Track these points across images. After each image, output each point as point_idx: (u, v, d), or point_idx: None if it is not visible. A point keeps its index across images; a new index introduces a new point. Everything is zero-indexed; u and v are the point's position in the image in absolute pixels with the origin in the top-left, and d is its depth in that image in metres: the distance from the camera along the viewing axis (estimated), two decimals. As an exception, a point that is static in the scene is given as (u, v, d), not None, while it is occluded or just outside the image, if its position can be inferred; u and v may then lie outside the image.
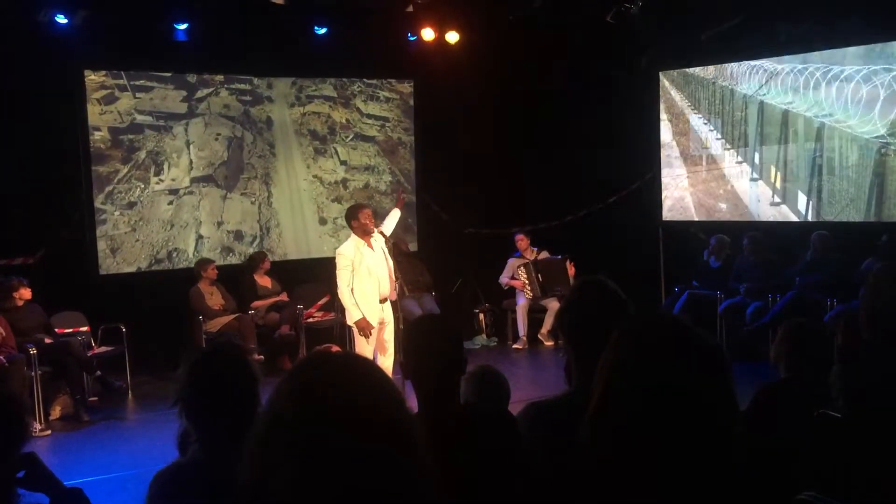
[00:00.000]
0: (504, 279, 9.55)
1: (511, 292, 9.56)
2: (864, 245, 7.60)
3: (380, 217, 7.26)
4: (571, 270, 9.25)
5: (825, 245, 7.86)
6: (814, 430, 2.67)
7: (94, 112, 8.44)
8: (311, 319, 8.68)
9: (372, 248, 6.40)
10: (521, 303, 9.32)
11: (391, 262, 6.52)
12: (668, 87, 9.82)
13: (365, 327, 6.26)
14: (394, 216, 7.17)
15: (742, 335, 7.92)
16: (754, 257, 8.34)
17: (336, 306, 8.07)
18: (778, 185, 8.92)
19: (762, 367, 3.75)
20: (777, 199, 8.94)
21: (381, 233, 6.64)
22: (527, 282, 9.27)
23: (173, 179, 8.91)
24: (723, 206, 9.45)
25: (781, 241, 8.47)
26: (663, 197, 9.89)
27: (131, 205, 8.68)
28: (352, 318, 6.33)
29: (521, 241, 9.51)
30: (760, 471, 1.63)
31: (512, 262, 9.52)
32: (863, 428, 2.45)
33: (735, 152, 9.29)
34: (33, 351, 6.70)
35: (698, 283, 8.75)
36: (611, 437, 1.35)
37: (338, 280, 6.35)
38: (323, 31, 8.87)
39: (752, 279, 8.21)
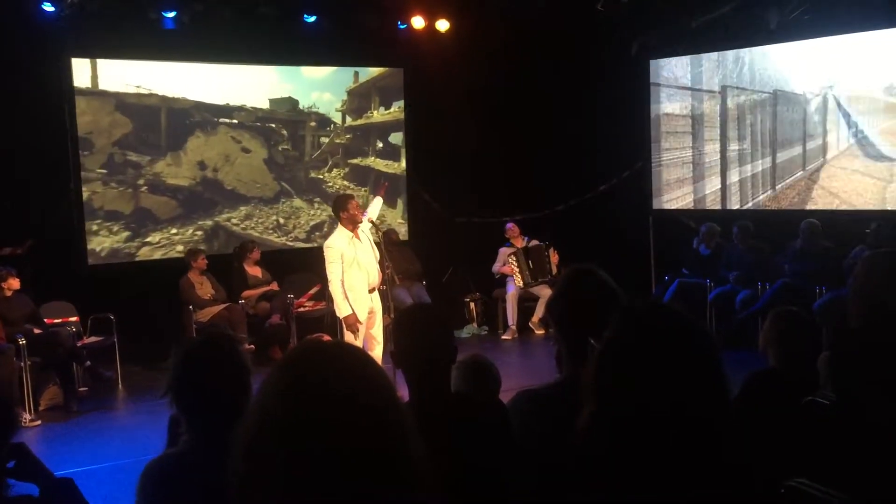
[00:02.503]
0: (496, 267, 9.55)
1: (502, 281, 9.57)
2: (852, 233, 7.64)
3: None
4: (555, 258, 9.27)
5: (814, 233, 7.90)
6: (803, 418, 2.69)
7: (81, 100, 8.42)
8: (301, 309, 8.67)
9: (359, 238, 6.36)
10: (511, 291, 9.32)
11: (377, 251, 6.50)
12: (662, 69, 9.80)
13: (353, 324, 6.23)
14: (376, 203, 7.17)
15: (731, 323, 7.95)
16: (744, 245, 8.37)
17: (327, 296, 8.06)
18: (767, 172, 8.95)
19: (751, 355, 3.76)
20: (767, 187, 8.97)
21: (371, 220, 6.63)
22: (517, 269, 9.28)
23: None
24: (713, 194, 9.46)
25: (771, 229, 8.50)
26: (662, 183, 9.87)
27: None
28: (341, 313, 6.30)
29: (512, 230, 9.51)
30: (750, 458, 1.64)
31: (503, 251, 9.52)
32: (851, 415, 2.47)
33: (726, 139, 9.30)
34: (22, 341, 6.66)
35: (688, 271, 8.77)
36: (605, 425, 1.36)
37: (328, 274, 6.29)
38: (312, 18, 8.82)
39: (742, 267, 8.24)
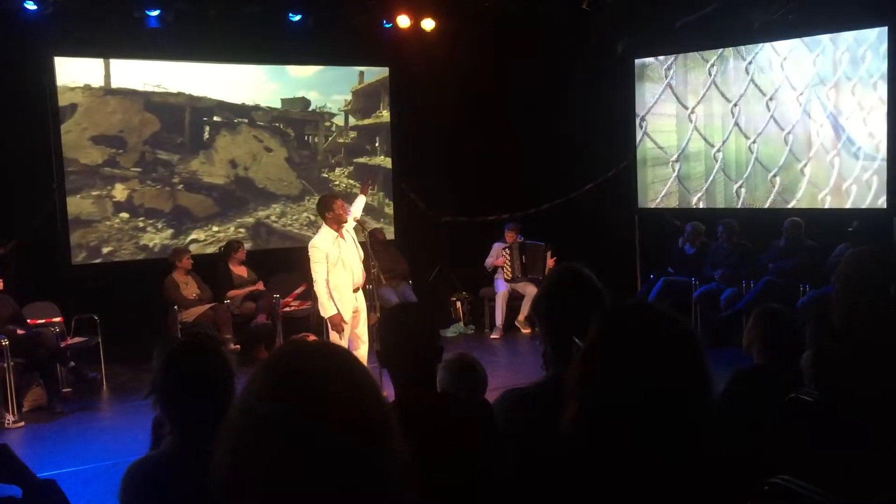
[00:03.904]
0: (489, 261, 9.50)
1: (490, 281, 9.55)
2: (835, 231, 7.69)
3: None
4: (551, 262, 9.25)
5: (798, 231, 7.95)
6: (786, 415, 2.71)
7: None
8: (287, 309, 8.64)
9: (344, 238, 6.36)
10: (501, 291, 9.30)
11: (362, 251, 6.49)
12: (647, 69, 9.82)
13: (338, 323, 6.23)
14: (360, 201, 7.16)
15: (716, 322, 7.99)
16: (728, 244, 8.41)
17: (312, 295, 8.04)
18: (752, 171, 8.99)
19: (736, 353, 3.78)
20: (752, 186, 9.01)
21: (356, 219, 6.62)
22: (509, 260, 9.28)
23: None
24: (698, 193, 9.51)
25: (755, 228, 8.55)
26: (647, 182, 9.89)
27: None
28: (326, 312, 6.29)
29: (510, 235, 9.43)
30: (734, 455, 1.65)
31: (497, 247, 9.50)
32: (834, 412, 2.48)
33: (711, 138, 9.34)
34: (5, 342, 6.60)
35: (673, 270, 8.81)
36: (589, 423, 1.36)
37: (313, 274, 6.29)
38: (297, 17, 8.79)
39: (727, 266, 8.28)
